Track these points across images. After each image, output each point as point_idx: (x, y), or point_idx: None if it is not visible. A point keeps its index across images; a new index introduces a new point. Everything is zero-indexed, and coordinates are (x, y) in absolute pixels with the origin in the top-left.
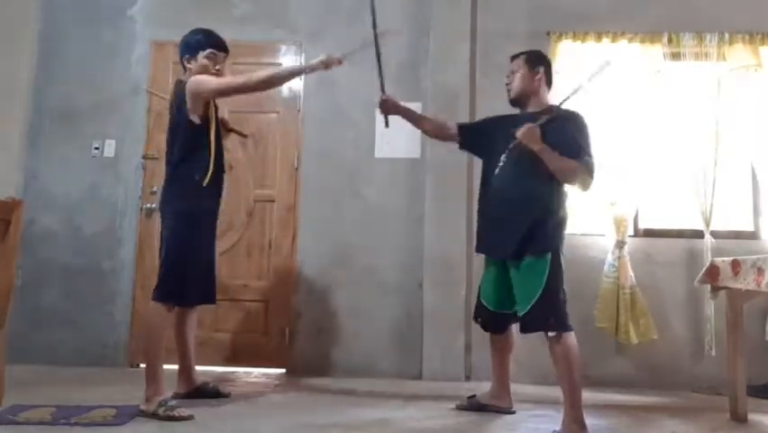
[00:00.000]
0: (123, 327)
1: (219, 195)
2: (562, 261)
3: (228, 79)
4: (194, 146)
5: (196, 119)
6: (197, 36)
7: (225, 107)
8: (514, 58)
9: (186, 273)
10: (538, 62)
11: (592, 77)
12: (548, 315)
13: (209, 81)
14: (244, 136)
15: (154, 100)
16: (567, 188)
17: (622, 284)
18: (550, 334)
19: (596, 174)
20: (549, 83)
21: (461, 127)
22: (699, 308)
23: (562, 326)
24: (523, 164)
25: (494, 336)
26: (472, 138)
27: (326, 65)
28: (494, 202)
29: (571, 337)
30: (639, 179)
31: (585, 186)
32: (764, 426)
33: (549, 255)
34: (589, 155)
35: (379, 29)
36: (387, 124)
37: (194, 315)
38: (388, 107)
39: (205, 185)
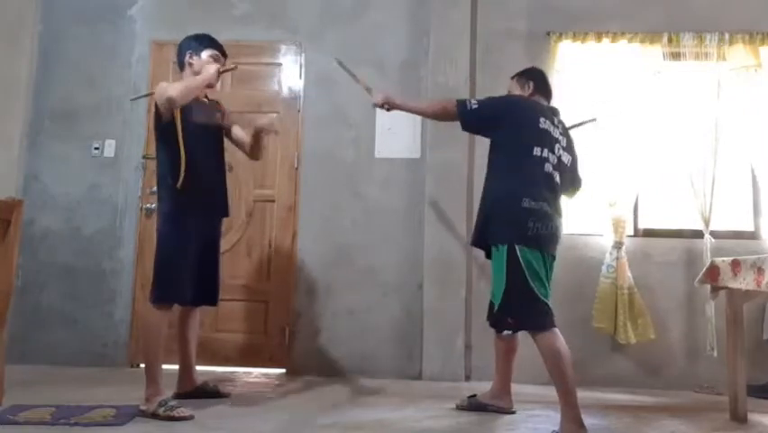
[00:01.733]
0: (123, 327)
1: (204, 195)
2: (523, 256)
3: (165, 88)
4: (165, 148)
5: (165, 120)
6: (201, 38)
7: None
8: (511, 79)
9: (175, 274)
10: (528, 78)
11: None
12: (506, 314)
13: (162, 87)
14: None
15: (154, 100)
16: (526, 177)
17: (620, 285)
18: (507, 333)
19: (473, 118)
20: (544, 92)
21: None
22: (699, 308)
23: (524, 325)
24: (490, 156)
25: (498, 334)
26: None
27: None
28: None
29: (551, 336)
30: (638, 179)
31: (446, 118)
32: (764, 426)
33: (504, 249)
34: (468, 100)
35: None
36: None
37: (196, 315)
38: (390, 105)
39: (179, 187)
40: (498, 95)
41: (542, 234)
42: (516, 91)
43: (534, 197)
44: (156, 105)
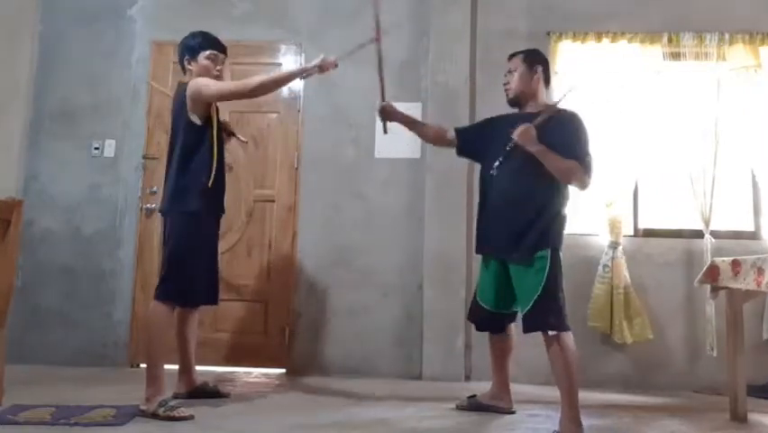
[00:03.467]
0: (123, 326)
1: (222, 195)
2: (561, 261)
3: (228, 84)
4: (196, 147)
5: (197, 120)
6: (197, 38)
7: (226, 109)
8: (512, 56)
9: (189, 274)
10: (536, 61)
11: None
12: (548, 314)
13: (210, 85)
14: (244, 142)
15: (154, 100)
16: (569, 187)
17: (616, 284)
18: (550, 333)
19: (593, 174)
20: (547, 82)
21: (459, 132)
22: (699, 308)
23: (561, 325)
24: (521, 163)
25: (493, 336)
26: (470, 142)
27: (322, 68)
28: (494, 202)
29: (569, 337)
30: (638, 179)
31: (583, 185)
32: (764, 426)
33: (548, 253)
34: (588, 154)
35: (373, 36)
36: (385, 131)
37: (195, 315)
38: (388, 114)
39: (210, 186)
40: (498, 94)
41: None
42: (522, 72)
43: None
44: (193, 104)
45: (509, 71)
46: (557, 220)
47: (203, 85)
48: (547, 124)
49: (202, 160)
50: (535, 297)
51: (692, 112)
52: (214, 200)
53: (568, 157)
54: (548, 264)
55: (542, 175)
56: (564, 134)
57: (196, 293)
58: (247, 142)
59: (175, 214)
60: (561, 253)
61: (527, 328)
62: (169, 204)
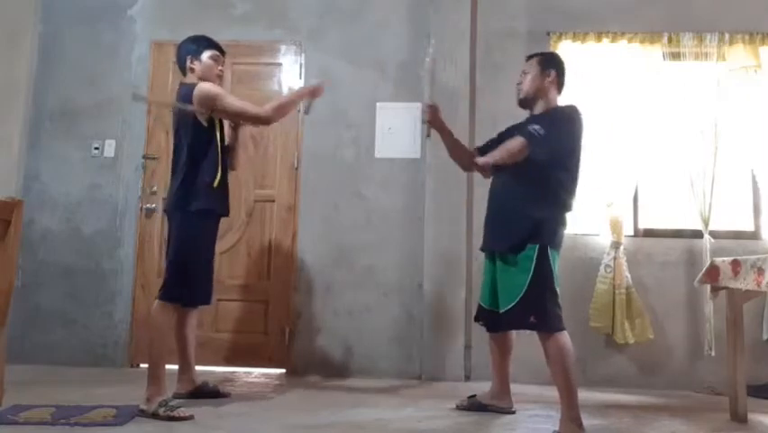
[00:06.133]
0: (123, 326)
1: (227, 196)
2: (554, 258)
3: (246, 105)
4: (202, 148)
5: (203, 121)
6: (198, 40)
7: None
8: (529, 58)
9: (193, 275)
10: (551, 65)
11: None
12: (529, 313)
13: (228, 98)
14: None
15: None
16: (569, 192)
17: (617, 284)
18: (540, 333)
19: (543, 144)
20: (560, 86)
21: (479, 152)
22: (699, 309)
23: (545, 325)
24: (513, 168)
25: (493, 335)
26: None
27: (314, 93)
28: (490, 200)
29: (563, 337)
30: (637, 179)
31: (534, 154)
32: (764, 426)
33: (534, 251)
34: (537, 129)
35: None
36: (429, 134)
37: (195, 315)
38: (436, 121)
39: (215, 186)
40: (498, 94)
41: (562, 238)
42: (535, 74)
43: (563, 205)
44: (200, 107)
45: (524, 72)
46: (543, 218)
47: (215, 95)
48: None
49: (208, 161)
50: (519, 295)
51: (692, 112)
52: (219, 201)
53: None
54: (534, 263)
55: (528, 173)
56: (532, 121)
57: (197, 293)
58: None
59: (180, 214)
60: (555, 254)
61: (507, 325)
62: (175, 204)
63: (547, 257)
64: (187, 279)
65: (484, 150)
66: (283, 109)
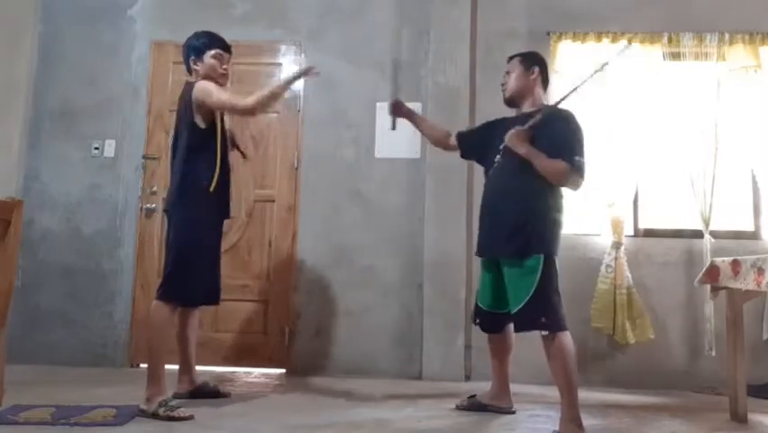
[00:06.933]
0: (123, 326)
1: (227, 200)
2: (556, 261)
3: (230, 98)
4: (198, 150)
5: (200, 123)
6: (202, 38)
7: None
8: (511, 59)
9: (191, 276)
10: (533, 62)
11: (590, 76)
12: (540, 314)
13: (217, 94)
14: (244, 157)
15: (154, 100)
16: (563, 191)
17: (618, 285)
18: (543, 333)
19: (586, 174)
20: (545, 83)
21: (460, 137)
22: (699, 308)
23: (554, 325)
24: (514, 165)
25: (492, 336)
26: (471, 146)
27: (305, 72)
28: (488, 203)
29: (566, 337)
30: (637, 179)
31: (575, 186)
32: (764, 426)
33: (541, 255)
34: (579, 155)
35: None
36: (394, 126)
37: (196, 315)
38: (400, 109)
39: (212, 189)
40: (498, 94)
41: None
42: (519, 73)
43: (562, 210)
44: (197, 107)
45: (507, 73)
46: (550, 222)
47: (210, 91)
48: (542, 124)
49: (204, 163)
50: (527, 298)
51: (692, 112)
52: (217, 204)
53: (557, 157)
54: (541, 266)
55: (534, 176)
56: (555, 134)
57: (198, 293)
58: (246, 158)
59: (180, 217)
60: (556, 255)
61: (519, 328)
62: (173, 204)
63: (553, 263)
64: (186, 279)
65: (465, 136)
66: (266, 99)
